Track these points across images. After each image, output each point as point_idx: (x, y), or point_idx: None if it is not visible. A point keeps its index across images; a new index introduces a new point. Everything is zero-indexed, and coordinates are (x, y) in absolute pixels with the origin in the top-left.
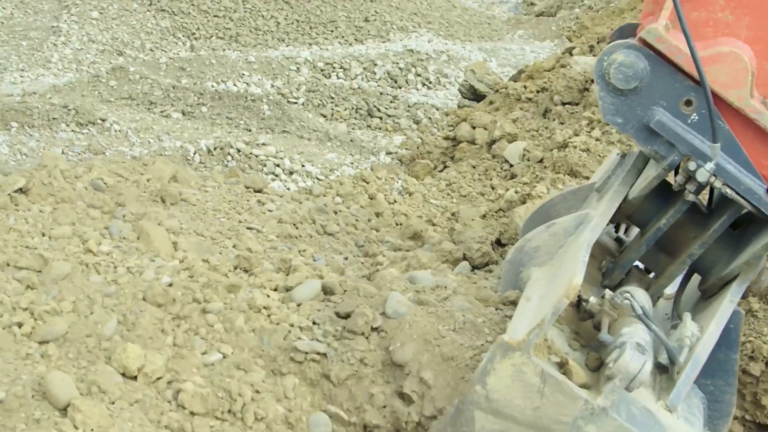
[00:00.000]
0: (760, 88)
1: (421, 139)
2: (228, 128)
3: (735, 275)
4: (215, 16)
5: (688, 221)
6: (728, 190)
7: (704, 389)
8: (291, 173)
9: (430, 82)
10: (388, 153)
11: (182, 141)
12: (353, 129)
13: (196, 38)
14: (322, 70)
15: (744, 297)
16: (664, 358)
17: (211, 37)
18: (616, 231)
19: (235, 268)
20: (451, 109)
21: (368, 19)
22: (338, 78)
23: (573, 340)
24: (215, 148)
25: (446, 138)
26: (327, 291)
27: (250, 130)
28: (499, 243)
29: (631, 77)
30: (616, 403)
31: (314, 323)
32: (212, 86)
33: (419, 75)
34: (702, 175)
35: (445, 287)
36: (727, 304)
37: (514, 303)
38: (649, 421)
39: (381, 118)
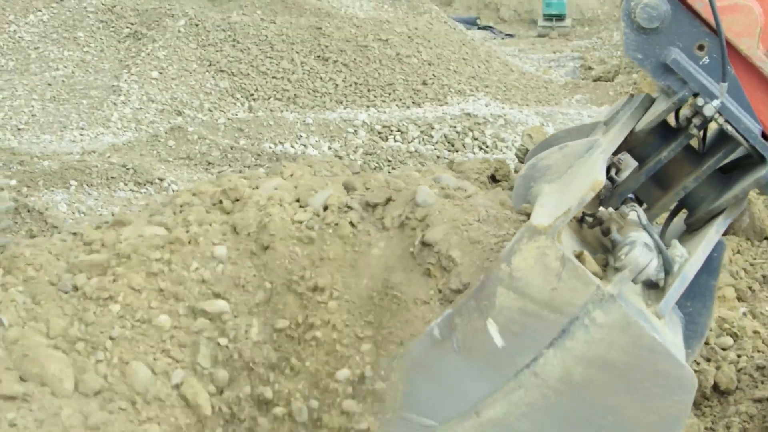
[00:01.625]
0: (764, 42)
1: None
2: None
3: (721, 210)
4: (273, 77)
5: (684, 158)
6: (729, 127)
7: (684, 310)
8: None
9: (487, 146)
10: None
11: None
12: None
13: (254, 99)
14: (379, 133)
15: (726, 233)
16: (653, 275)
17: (269, 98)
18: (608, 172)
19: None
20: None
21: (426, 83)
22: (395, 141)
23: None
24: None
25: None
26: (349, 188)
27: None
28: (493, 179)
29: (654, 17)
30: (621, 294)
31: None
32: (269, 147)
33: (476, 139)
34: (709, 110)
35: (466, 189)
36: (713, 233)
37: (527, 214)
38: (642, 318)
39: None
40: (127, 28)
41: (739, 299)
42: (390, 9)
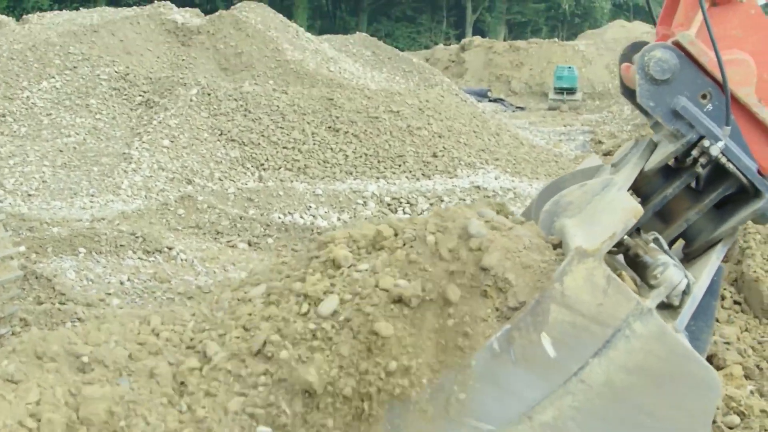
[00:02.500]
0: (757, 92)
1: None
2: None
3: (719, 240)
4: (284, 147)
5: (685, 195)
6: (731, 165)
7: (687, 328)
8: None
9: None
10: None
11: (247, 272)
12: None
13: (264, 169)
14: (389, 205)
15: (724, 260)
16: (678, 294)
17: (280, 168)
18: None
19: None
20: None
21: (436, 155)
22: (405, 213)
23: None
24: None
25: None
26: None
27: None
28: None
29: (666, 70)
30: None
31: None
32: (279, 218)
33: None
34: (715, 150)
35: (504, 223)
36: (715, 259)
37: (555, 245)
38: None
39: None
40: (140, 96)
41: (747, 377)
42: (402, 81)
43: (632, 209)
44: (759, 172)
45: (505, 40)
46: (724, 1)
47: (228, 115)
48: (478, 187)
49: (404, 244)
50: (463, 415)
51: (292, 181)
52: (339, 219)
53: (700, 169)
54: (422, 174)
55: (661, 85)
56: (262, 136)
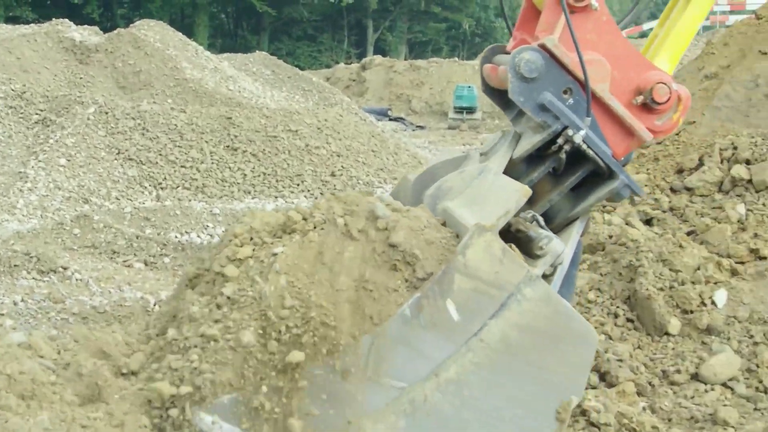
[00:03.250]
0: (610, 89)
1: None
2: None
3: (576, 217)
4: (182, 166)
5: (547, 178)
6: (590, 151)
7: None
8: None
9: None
10: None
11: (143, 292)
12: None
13: (162, 188)
14: None
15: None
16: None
17: (178, 187)
18: None
19: None
20: None
21: (335, 174)
22: None
23: None
24: None
25: None
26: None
27: None
28: None
29: (533, 69)
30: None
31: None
32: (176, 237)
33: None
34: (578, 138)
35: (401, 207)
36: (575, 234)
37: (443, 224)
38: None
39: None
40: (36, 114)
41: (639, 394)
42: (301, 100)
43: (522, 190)
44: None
45: (405, 59)
46: (580, 9)
47: (126, 134)
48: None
49: (315, 227)
50: (380, 375)
51: (189, 200)
52: None
53: (563, 156)
54: (320, 193)
55: (530, 83)
56: (160, 155)
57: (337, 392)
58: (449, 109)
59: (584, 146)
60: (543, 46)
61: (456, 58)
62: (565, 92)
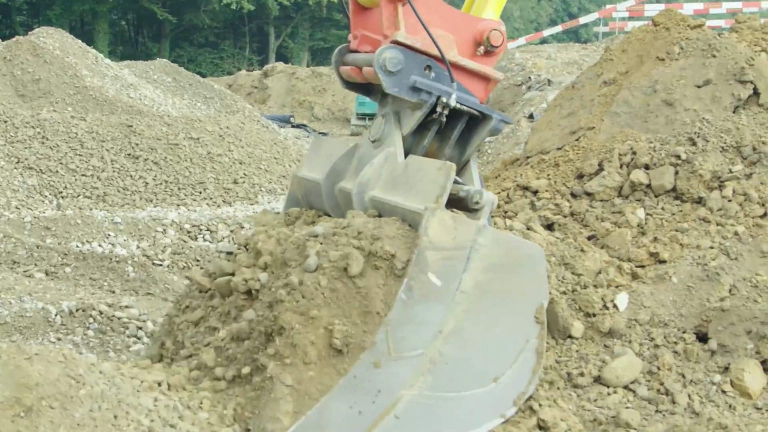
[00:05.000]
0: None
1: None
2: (91, 289)
3: (468, 160)
4: (83, 175)
5: (434, 139)
6: (465, 107)
7: None
8: (153, 336)
9: None
10: None
11: (44, 302)
12: None
13: (63, 197)
14: (188, 232)
15: None
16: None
17: (78, 196)
18: None
19: None
20: None
21: (237, 181)
22: (204, 240)
23: None
24: (77, 310)
25: None
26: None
27: (113, 292)
28: None
29: (397, 63)
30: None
31: None
32: (77, 246)
33: None
34: (453, 102)
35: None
36: (476, 174)
37: (377, 216)
38: None
39: None
40: None
41: None
42: (203, 107)
43: (445, 167)
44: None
45: (308, 66)
46: None
47: (25, 143)
48: (278, 213)
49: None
50: (401, 352)
51: (91, 209)
52: (138, 247)
53: (443, 119)
54: (223, 201)
55: (398, 74)
56: (60, 163)
57: (375, 378)
58: (352, 116)
59: (459, 105)
60: (396, 42)
61: None
62: (426, 69)
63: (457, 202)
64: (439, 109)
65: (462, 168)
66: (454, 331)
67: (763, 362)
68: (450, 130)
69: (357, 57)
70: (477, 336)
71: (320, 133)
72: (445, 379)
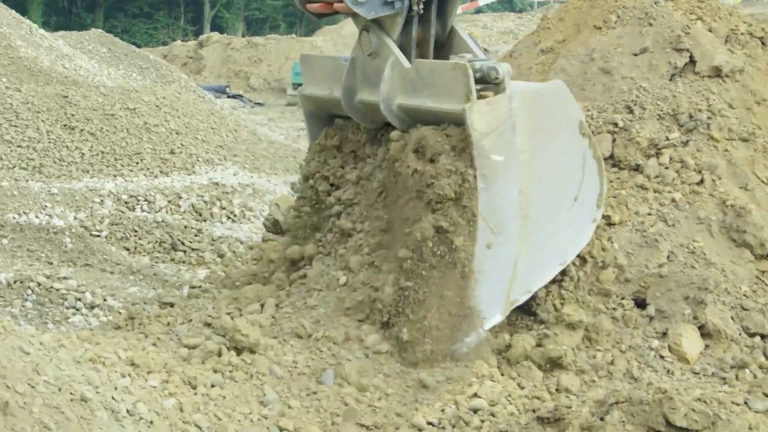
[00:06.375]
0: None
1: (225, 272)
2: (29, 261)
3: (451, 26)
4: (18, 146)
5: (420, 27)
6: None
7: None
8: (92, 307)
9: (235, 215)
10: (192, 287)
11: None
12: (157, 263)
13: None
14: (126, 203)
15: None
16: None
17: (14, 167)
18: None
19: None
20: (255, 242)
21: (174, 152)
22: (142, 211)
23: None
24: (15, 282)
25: None
26: None
27: (51, 263)
28: None
29: None
30: None
31: None
32: (13, 218)
33: (224, 208)
34: None
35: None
36: (467, 37)
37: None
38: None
39: (185, 252)
40: None
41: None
42: (139, 78)
43: (459, 66)
44: None
45: (243, 36)
46: None
47: None
48: (216, 183)
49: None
50: (500, 228)
51: (27, 180)
52: (75, 218)
53: (421, 9)
54: (160, 171)
55: (366, 2)
56: None
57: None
58: (288, 86)
59: None
60: None
61: (294, 35)
62: None
63: (483, 81)
64: (415, 8)
65: (449, 35)
66: (530, 182)
67: (700, 327)
68: (427, 13)
69: None
70: (546, 175)
71: (256, 103)
72: (539, 219)
